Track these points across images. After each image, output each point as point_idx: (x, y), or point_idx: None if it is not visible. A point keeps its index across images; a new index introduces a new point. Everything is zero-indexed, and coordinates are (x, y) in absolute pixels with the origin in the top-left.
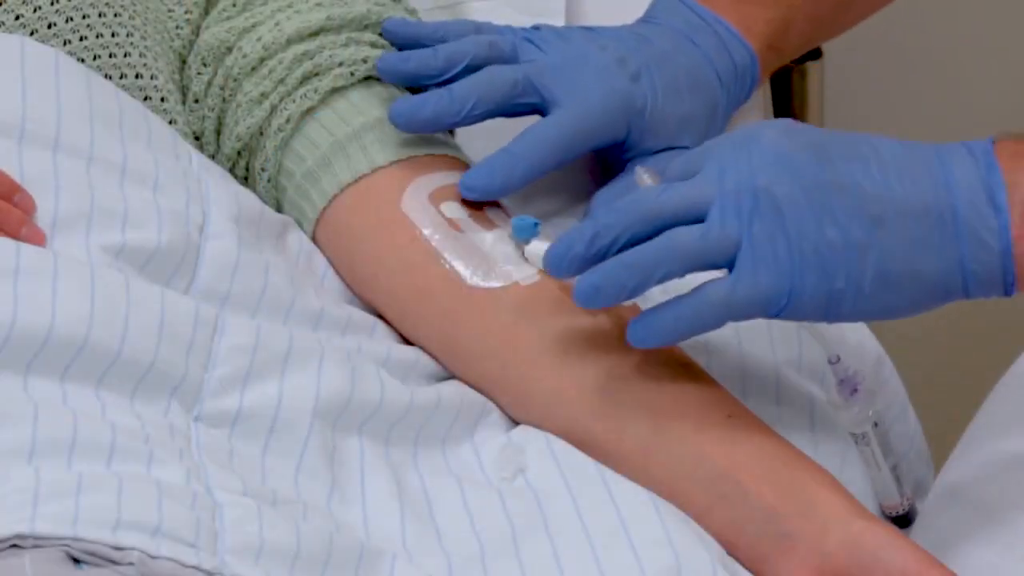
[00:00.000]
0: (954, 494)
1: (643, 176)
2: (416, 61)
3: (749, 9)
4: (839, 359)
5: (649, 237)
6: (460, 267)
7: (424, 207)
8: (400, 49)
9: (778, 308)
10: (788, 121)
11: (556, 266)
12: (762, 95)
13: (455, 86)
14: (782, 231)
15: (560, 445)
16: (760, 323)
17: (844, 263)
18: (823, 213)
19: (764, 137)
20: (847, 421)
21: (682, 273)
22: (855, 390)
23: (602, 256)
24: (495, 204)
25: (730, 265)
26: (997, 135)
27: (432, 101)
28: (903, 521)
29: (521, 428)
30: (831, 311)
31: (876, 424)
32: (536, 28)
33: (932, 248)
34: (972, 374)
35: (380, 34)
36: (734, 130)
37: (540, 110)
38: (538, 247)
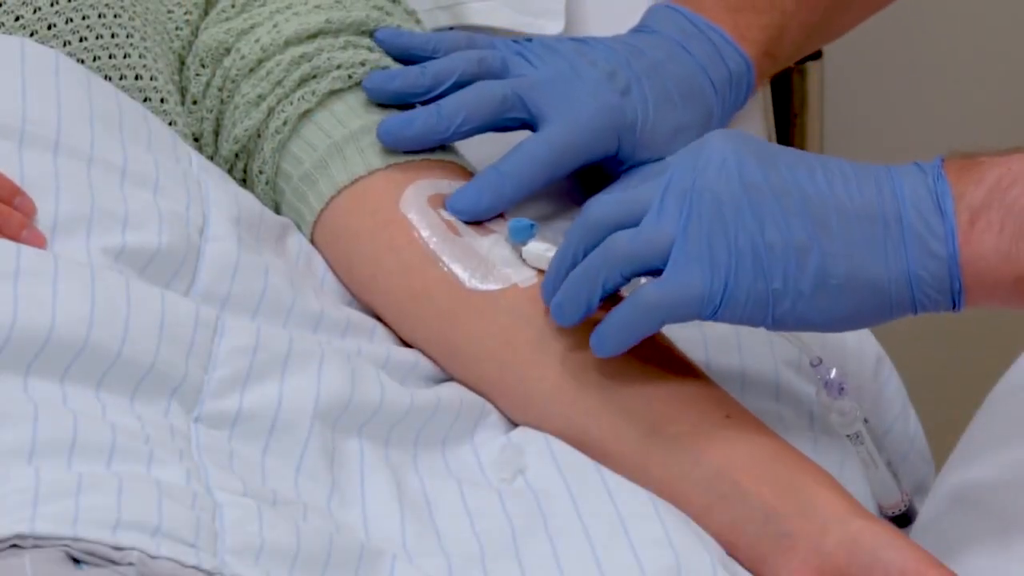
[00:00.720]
0: (954, 495)
1: None
2: (402, 80)
3: (743, 16)
4: (820, 361)
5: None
6: (458, 269)
7: (423, 210)
8: (392, 58)
9: (712, 307)
10: (738, 131)
11: (544, 297)
12: (762, 96)
13: (444, 102)
14: (718, 229)
15: (560, 446)
16: None
17: (782, 262)
18: (762, 213)
19: (710, 143)
20: (838, 422)
21: (621, 277)
22: (841, 389)
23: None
24: None
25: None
26: (947, 154)
27: (420, 118)
28: (902, 520)
29: (520, 429)
30: (769, 314)
31: (867, 420)
32: (529, 40)
33: (877, 252)
34: (972, 374)
35: None
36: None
37: (529, 125)
38: (535, 247)
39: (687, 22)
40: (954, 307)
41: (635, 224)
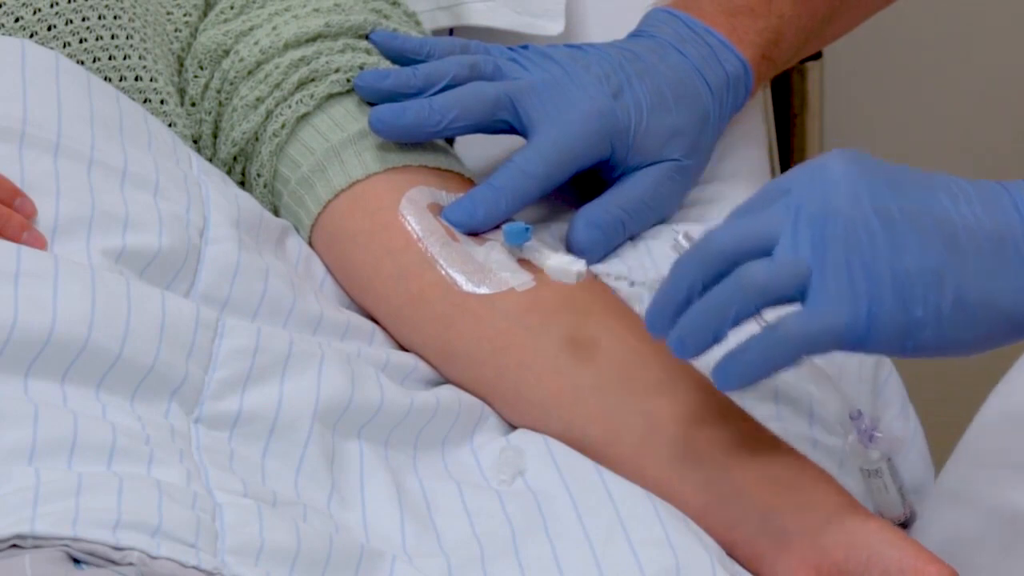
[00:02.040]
0: (954, 494)
1: (681, 241)
2: (394, 79)
3: (741, 20)
4: (860, 414)
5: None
6: (455, 273)
7: (421, 214)
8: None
9: (856, 337)
10: (855, 151)
11: (654, 329)
12: (762, 96)
13: (436, 98)
14: (856, 258)
15: (559, 447)
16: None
17: (922, 289)
18: (897, 238)
19: (833, 165)
20: (864, 467)
21: (755, 310)
22: (872, 438)
23: (687, 306)
24: None
25: (803, 297)
26: None
27: (413, 109)
28: (901, 527)
29: (520, 431)
30: (909, 342)
31: (890, 459)
32: (524, 47)
33: (1009, 273)
34: (972, 374)
35: None
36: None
37: (517, 130)
38: (560, 261)
39: (684, 26)
40: None
41: (761, 252)
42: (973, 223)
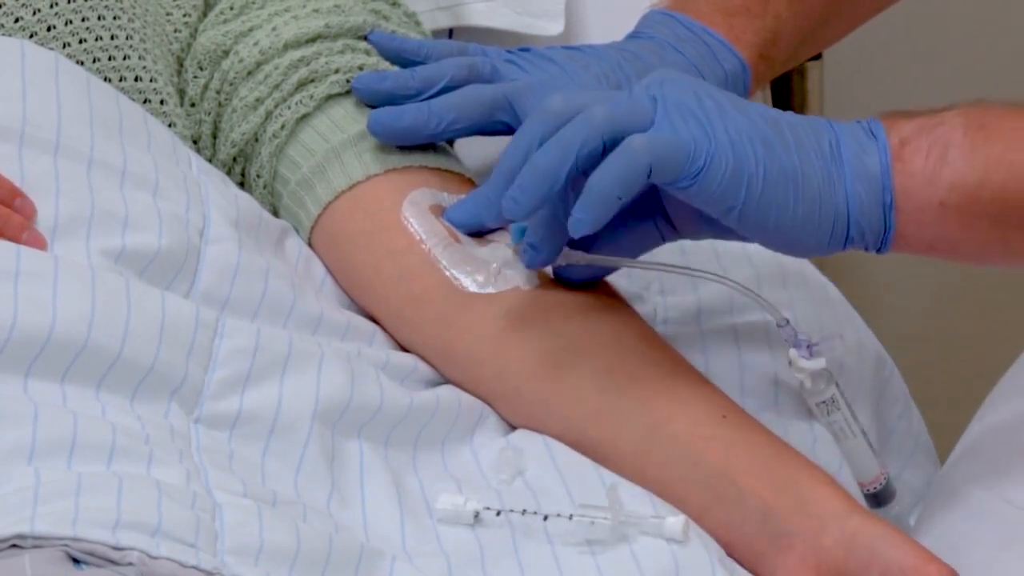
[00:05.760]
0: (954, 493)
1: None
2: (392, 81)
3: (738, 20)
4: (787, 322)
5: None
6: (458, 274)
7: (422, 215)
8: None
9: (697, 166)
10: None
11: (492, 195)
12: (761, 96)
13: (434, 101)
14: (691, 114)
15: (558, 447)
16: (758, 324)
17: (751, 146)
18: (728, 108)
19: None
20: (811, 389)
21: (603, 143)
22: (810, 347)
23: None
24: None
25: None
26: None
27: (411, 112)
28: (883, 497)
29: (519, 431)
30: (741, 196)
31: (838, 384)
32: (524, 50)
33: (824, 166)
34: (972, 374)
35: None
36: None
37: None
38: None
39: (681, 26)
40: (884, 231)
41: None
42: (793, 120)
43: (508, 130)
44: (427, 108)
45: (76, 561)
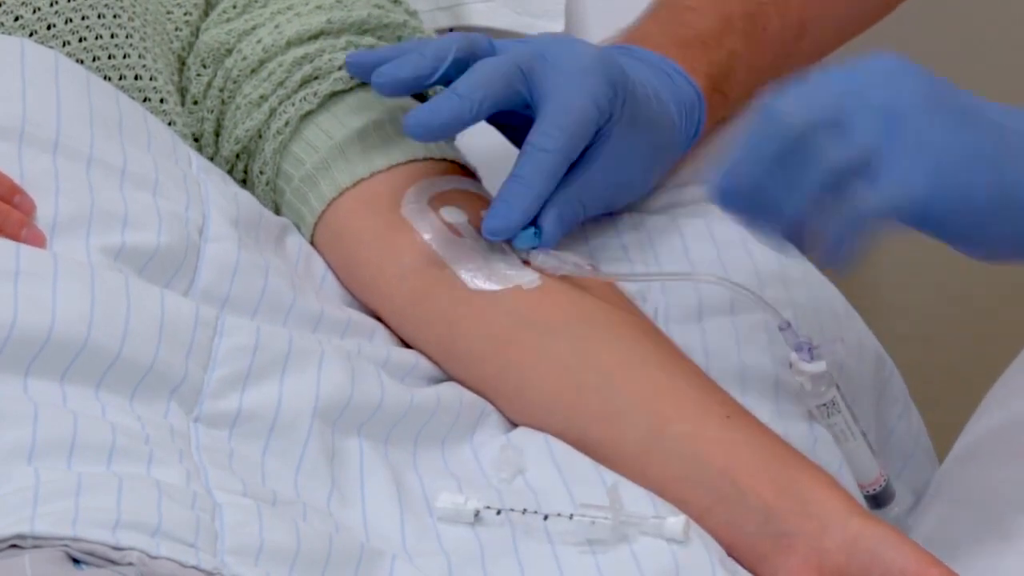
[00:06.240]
0: (953, 494)
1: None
2: (411, 67)
3: (692, 52)
4: (789, 325)
5: None
6: (460, 271)
7: (424, 212)
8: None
9: (922, 221)
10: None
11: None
12: None
13: (458, 86)
14: (928, 124)
15: (559, 446)
16: (758, 324)
17: (982, 175)
18: (961, 114)
19: (894, 62)
20: (811, 392)
21: (824, 185)
22: (811, 350)
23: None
24: None
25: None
26: None
27: (446, 106)
28: (882, 498)
29: (520, 429)
30: (969, 220)
31: (839, 387)
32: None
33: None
34: (972, 374)
35: (380, 38)
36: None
37: (529, 101)
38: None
39: (638, 60)
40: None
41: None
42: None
43: (522, 104)
44: (457, 96)
45: (76, 561)
